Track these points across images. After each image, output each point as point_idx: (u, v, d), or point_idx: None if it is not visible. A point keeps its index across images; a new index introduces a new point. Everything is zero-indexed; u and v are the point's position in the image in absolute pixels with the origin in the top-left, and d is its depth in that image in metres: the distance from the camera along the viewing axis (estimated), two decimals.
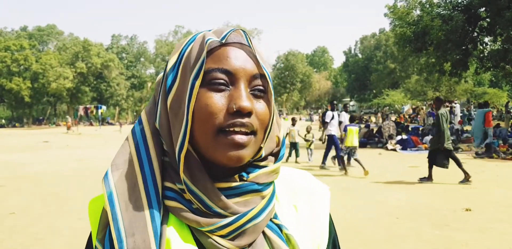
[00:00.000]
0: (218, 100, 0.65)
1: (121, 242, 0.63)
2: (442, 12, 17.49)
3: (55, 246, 4.96)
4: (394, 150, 15.69)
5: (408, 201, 6.91)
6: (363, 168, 9.46)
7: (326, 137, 11.18)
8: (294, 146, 12.38)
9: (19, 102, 58.45)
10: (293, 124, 12.65)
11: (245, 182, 0.69)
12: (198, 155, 0.68)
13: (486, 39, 18.46)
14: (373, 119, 36.29)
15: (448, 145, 8.59)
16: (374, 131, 19.00)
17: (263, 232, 0.70)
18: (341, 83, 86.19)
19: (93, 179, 9.42)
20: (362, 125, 22.48)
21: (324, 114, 10.35)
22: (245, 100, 0.65)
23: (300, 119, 50.58)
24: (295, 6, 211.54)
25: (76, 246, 4.84)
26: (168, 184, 0.69)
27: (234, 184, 0.68)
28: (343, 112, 11.93)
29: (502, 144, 13.77)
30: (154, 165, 0.69)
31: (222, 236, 0.66)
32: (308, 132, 12.56)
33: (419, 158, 12.32)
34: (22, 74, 57.59)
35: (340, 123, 11.12)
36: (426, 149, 15.23)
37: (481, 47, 18.26)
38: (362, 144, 17.27)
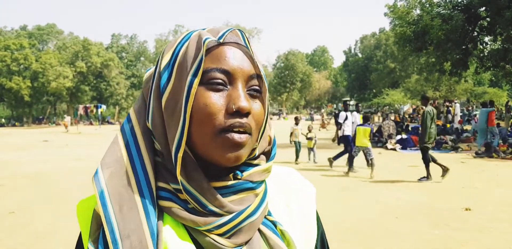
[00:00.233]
0: (217, 100, 0.65)
1: (116, 244, 0.62)
2: (442, 11, 17.48)
3: (55, 245, 4.96)
4: (394, 149, 15.70)
5: (408, 200, 6.92)
6: (372, 171, 9.31)
7: (338, 137, 10.98)
8: (296, 145, 12.25)
9: (19, 101, 58.37)
10: (297, 124, 12.52)
11: (240, 181, 0.69)
12: (193, 155, 0.68)
13: (486, 39, 18.46)
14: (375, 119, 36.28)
15: (430, 143, 8.72)
16: (374, 131, 18.99)
17: (259, 229, 0.71)
18: (341, 82, 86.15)
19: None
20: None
21: (337, 115, 10.21)
22: (243, 101, 0.65)
23: (300, 118, 50.59)
24: (295, 5, 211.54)
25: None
26: (161, 184, 0.68)
27: (229, 183, 0.69)
28: (355, 112, 11.69)
29: (502, 144, 13.77)
30: (146, 165, 0.68)
31: (219, 235, 0.66)
32: (310, 131, 12.43)
33: (418, 158, 12.24)
34: (22, 73, 57.51)
35: (352, 123, 10.94)
36: None
37: (481, 46, 18.26)
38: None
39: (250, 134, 0.67)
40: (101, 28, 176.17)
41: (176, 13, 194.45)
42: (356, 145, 9.72)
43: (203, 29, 0.72)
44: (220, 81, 0.66)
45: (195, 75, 0.65)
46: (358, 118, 11.35)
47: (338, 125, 11.17)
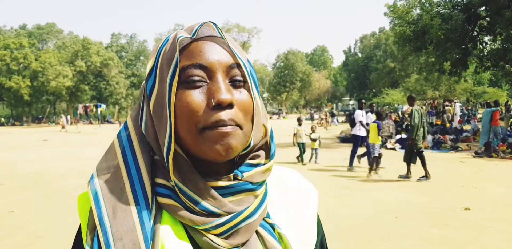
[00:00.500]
0: (197, 97, 0.65)
1: (109, 247, 0.63)
2: (441, 11, 17.47)
3: (55, 244, 4.96)
4: (394, 149, 15.69)
5: (407, 200, 6.92)
6: (370, 169, 9.33)
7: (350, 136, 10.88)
8: (299, 146, 11.97)
9: (19, 101, 58.33)
10: (300, 124, 12.25)
11: (240, 181, 0.69)
12: (188, 154, 0.68)
13: (485, 38, 18.44)
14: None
15: (418, 141, 8.83)
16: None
17: (257, 231, 0.71)
18: (341, 82, 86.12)
19: None
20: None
21: (352, 113, 10.02)
22: (223, 93, 0.64)
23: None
24: (294, 5, 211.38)
25: None
26: (160, 181, 0.69)
27: (228, 183, 0.68)
28: (369, 113, 11.38)
29: (501, 144, 13.78)
30: (141, 170, 0.68)
31: (216, 235, 0.66)
32: (313, 131, 12.19)
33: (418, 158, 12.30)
34: (21, 73, 57.48)
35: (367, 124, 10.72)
36: (425, 148, 15.24)
37: (480, 46, 18.25)
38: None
39: (238, 126, 0.66)
40: (101, 28, 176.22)
41: (176, 12, 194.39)
42: (369, 142, 9.71)
43: (182, 29, 0.73)
44: (197, 77, 0.66)
45: (173, 75, 0.65)
46: (372, 119, 11.04)
47: (354, 124, 10.89)
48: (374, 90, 59.90)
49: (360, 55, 71.72)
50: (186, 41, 0.68)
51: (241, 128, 0.66)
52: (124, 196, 0.66)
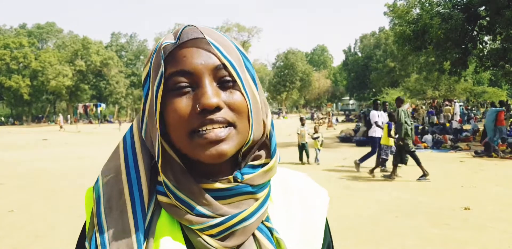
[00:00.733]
0: (184, 104, 0.65)
1: (104, 247, 0.65)
2: (441, 10, 17.48)
3: (55, 243, 4.96)
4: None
5: (408, 199, 6.92)
6: (374, 168, 9.30)
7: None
8: (304, 147, 11.83)
9: (18, 100, 58.34)
10: (303, 124, 12.12)
11: (239, 184, 0.68)
12: (185, 157, 0.68)
13: (485, 38, 18.46)
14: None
15: (406, 140, 8.85)
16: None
17: (254, 235, 0.70)
18: (341, 81, 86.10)
19: (92, 177, 9.40)
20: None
21: (367, 114, 9.83)
22: (208, 97, 0.63)
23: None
24: (295, 4, 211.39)
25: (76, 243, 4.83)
26: (161, 179, 0.69)
27: (227, 185, 0.68)
28: (382, 112, 11.04)
29: (501, 143, 13.78)
30: (141, 172, 0.69)
31: (211, 236, 0.66)
32: (316, 131, 12.03)
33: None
34: (21, 72, 57.49)
35: (382, 123, 10.53)
36: (425, 148, 15.27)
37: (480, 46, 18.26)
38: (362, 143, 17.26)
39: (231, 126, 0.66)
40: (101, 27, 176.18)
41: (176, 12, 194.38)
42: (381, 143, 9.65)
43: (171, 32, 0.72)
44: (183, 84, 0.65)
45: (159, 84, 0.65)
46: (386, 118, 10.80)
47: (369, 125, 10.67)
48: (374, 90, 59.91)
49: (360, 54, 71.71)
50: (170, 47, 0.67)
51: (235, 126, 0.66)
52: (122, 198, 0.68)
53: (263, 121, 0.72)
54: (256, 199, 0.70)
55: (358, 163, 10.13)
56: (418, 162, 8.69)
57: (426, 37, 17.35)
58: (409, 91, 35.77)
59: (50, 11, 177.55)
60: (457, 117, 22.95)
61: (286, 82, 70.53)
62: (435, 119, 24.49)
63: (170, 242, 0.66)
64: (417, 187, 8.06)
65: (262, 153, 0.73)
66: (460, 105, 27.38)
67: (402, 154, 9.10)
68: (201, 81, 0.65)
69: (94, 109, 43.37)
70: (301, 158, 11.96)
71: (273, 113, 65.24)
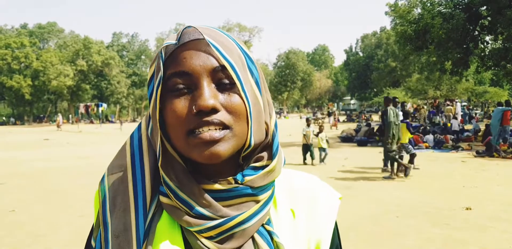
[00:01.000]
0: (182, 104, 0.65)
1: (108, 243, 0.67)
2: (443, 10, 17.46)
3: (56, 243, 4.97)
4: None
5: (408, 199, 6.92)
6: (397, 170, 9.06)
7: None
8: (309, 148, 11.65)
9: (20, 100, 58.39)
10: (308, 125, 11.99)
11: (240, 186, 0.68)
12: (188, 158, 0.68)
13: (487, 38, 18.44)
14: (374, 117, 36.30)
15: (393, 140, 8.95)
16: (375, 130, 18.98)
17: (253, 238, 0.69)
18: (342, 81, 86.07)
19: (93, 177, 9.41)
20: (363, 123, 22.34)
21: (385, 113, 9.58)
22: (205, 99, 0.63)
23: (301, 117, 50.42)
24: (295, 4, 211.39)
25: (76, 243, 4.85)
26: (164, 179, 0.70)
27: (227, 186, 0.68)
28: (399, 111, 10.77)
29: (502, 143, 13.75)
30: (145, 171, 0.71)
31: (210, 238, 0.66)
32: (321, 131, 11.88)
33: (419, 157, 12.31)
34: (22, 72, 57.52)
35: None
36: (427, 148, 15.25)
37: (482, 45, 18.24)
38: (363, 143, 17.27)
39: (227, 129, 0.65)
40: (102, 27, 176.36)
41: (177, 11, 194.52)
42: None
43: (175, 33, 0.72)
44: (182, 85, 0.65)
45: (158, 85, 0.66)
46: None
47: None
48: (375, 90, 59.92)
49: (361, 54, 71.69)
50: (172, 48, 0.68)
51: (231, 129, 0.65)
52: (126, 196, 0.69)
53: (266, 123, 0.72)
54: (257, 202, 0.69)
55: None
56: (392, 163, 8.89)
57: (427, 37, 17.33)
58: (410, 91, 35.76)
59: (51, 11, 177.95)
60: (459, 117, 22.90)
61: (287, 82, 70.52)
62: (437, 119, 24.47)
63: (169, 244, 0.67)
64: (418, 187, 8.05)
65: (265, 154, 0.72)
66: (464, 105, 27.38)
67: (399, 154, 9.09)
68: (199, 83, 0.65)
69: (96, 109, 43.40)
70: (304, 159, 11.84)
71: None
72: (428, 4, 17.87)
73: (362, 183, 8.54)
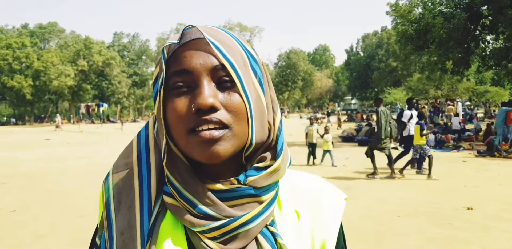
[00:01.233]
0: (182, 103, 0.65)
1: (112, 240, 0.68)
2: (444, 10, 17.45)
3: (57, 243, 4.97)
4: (396, 148, 15.65)
5: (410, 199, 6.91)
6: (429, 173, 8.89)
7: (400, 137, 10.41)
8: (312, 147, 11.59)
9: (21, 100, 58.40)
10: (311, 124, 11.95)
11: (242, 186, 0.68)
12: (189, 158, 0.68)
13: (488, 37, 18.43)
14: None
15: (385, 141, 9.07)
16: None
17: (257, 239, 0.68)
18: (343, 81, 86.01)
19: (94, 177, 9.43)
20: (364, 123, 22.33)
21: (400, 113, 9.55)
22: (204, 98, 0.63)
23: (301, 117, 50.42)
24: (296, 4, 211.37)
25: (77, 243, 4.85)
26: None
27: (230, 186, 0.67)
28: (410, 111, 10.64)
29: (504, 143, 13.74)
30: (151, 170, 0.71)
31: (213, 238, 0.66)
32: (327, 132, 11.78)
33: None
34: (23, 72, 57.53)
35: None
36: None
37: (483, 45, 18.23)
38: (364, 143, 17.24)
39: (226, 128, 0.65)
40: (103, 27, 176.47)
41: (178, 11, 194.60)
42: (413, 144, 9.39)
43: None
44: (182, 83, 0.66)
45: (161, 83, 0.67)
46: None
47: (402, 125, 10.35)
48: (376, 89, 59.87)
49: (362, 54, 71.61)
50: (174, 47, 0.68)
51: (230, 129, 0.65)
52: (132, 194, 0.70)
53: (269, 123, 0.71)
54: (261, 202, 0.69)
55: (420, 171, 9.72)
56: (373, 161, 9.12)
57: (428, 36, 17.32)
58: (411, 91, 35.76)
59: (52, 11, 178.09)
60: (460, 117, 22.89)
61: (288, 81, 70.50)
62: (438, 118, 24.45)
63: (173, 244, 0.67)
64: (420, 187, 8.05)
65: (268, 155, 0.71)
66: (467, 105, 27.34)
67: (399, 154, 9.13)
68: (199, 81, 0.65)
69: (96, 109, 43.42)
70: (309, 159, 11.72)
71: None
72: (429, 4, 17.86)
73: (363, 183, 8.54)
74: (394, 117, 11.36)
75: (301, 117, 51.25)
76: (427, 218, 5.71)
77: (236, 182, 0.68)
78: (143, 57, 72.94)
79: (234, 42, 0.70)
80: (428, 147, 9.22)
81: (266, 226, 0.70)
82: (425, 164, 9.41)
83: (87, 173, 10.47)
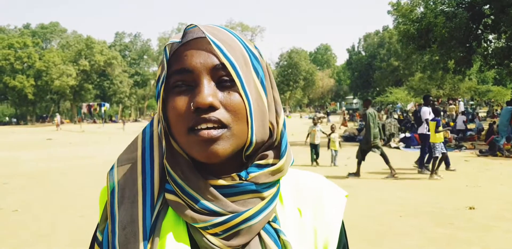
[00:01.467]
0: (181, 102, 0.66)
1: (115, 234, 0.68)
2: (446, 9, 17.42)
3: (58, 243, 4.97)
4: (397, 148, 15.65)
5: (411, 199, 6.90)
6: (432, 171, 8.81)
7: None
8: (315, 147, 11.41)
9: (23, 100, 58.51)
10: (315, 124, 11.85)
11: (244, 182, 0.68)
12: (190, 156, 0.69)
13: (490, 37, 18.39)
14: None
15: (375, 142, 9.10)
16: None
17: (260, 236, 0.69)
18: (344, 80, 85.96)
19: (95, 177, 9.43)
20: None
21: (418, 111, 9.28)
22: (203, 96, 0.63)
23: (301, 117, 50.37)
24: (298, 3, 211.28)
25: (79, 242, 4.85)
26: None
27: (231, 182, 0.68)
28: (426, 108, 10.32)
29: (506, 142, 13.71)
30: (155, 165, 0.72)
31: (215, 235, 0.66)
32: (333, 131, 11.59)
33: None
34: (25, 72, 57.65)
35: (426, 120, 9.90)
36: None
37: (485, 44, 18.19)
38: None
39: (225, 127, 0.65)
40: (105, 27, 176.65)
41: (180, 11, 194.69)
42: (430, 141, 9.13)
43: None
44: (182, 82, 0.66)
45: (162, 81, 0.68)
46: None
47: (421, 123, 10.14)
48: (377, 89, 59.78)
49: (363, 53, 71.52)
50: (175, 46, 0.69)
51: (229, 128, 0.65)
52: (135, 189, 0.70)
53: (271, 123, 0.71)
54: (263, 198, 0.69)
55: (421, 170, 9.64)
56: (359, 161, 9.20)
57: (430, 35, 17.29)
58: (413, 90, 35.72)
59: (54, 11, 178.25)
60: (463, 116, 22.84)
61: (289, 81, 70.49)
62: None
63: (175, 240, 0.67)
64: (421, 186, 8.03)
65: (270, 153, 0.72)
66: (472, 104, 27.28)
67: (383, 154, 9.14)
68: (199, 80, 0.66)
69: (98, 108, 43.53)
70: (312, 160, 11.59)
71: None
72: (431, 3, 17.83)
73: (364, 183, 8.53)
74: (395, 116, 11.36)
75: (301, 117, 51.21)
76: (429, 217, 5.70)
77: (237, 178, 0.68)
78: (145, 56, 73.02)
79: (236, 41, 0.70)
80: (439, 148, 8.87)
81: (268, 223, 0.70)
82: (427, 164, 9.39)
83: (89, 173, 10.48)
